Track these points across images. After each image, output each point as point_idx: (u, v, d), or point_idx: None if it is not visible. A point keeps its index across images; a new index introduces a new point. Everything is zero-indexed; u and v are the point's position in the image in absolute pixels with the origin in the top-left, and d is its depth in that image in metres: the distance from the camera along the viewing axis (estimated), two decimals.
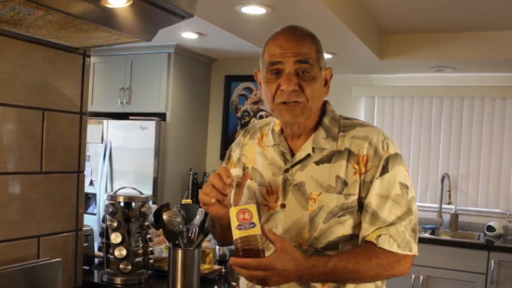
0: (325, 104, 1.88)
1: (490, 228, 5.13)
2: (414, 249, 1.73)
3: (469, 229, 5.41)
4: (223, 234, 1.92)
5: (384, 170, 1.74)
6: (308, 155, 1.80)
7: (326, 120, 1.83)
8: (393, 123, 5.87)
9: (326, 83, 1.83)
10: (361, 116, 5.93)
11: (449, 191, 5.47)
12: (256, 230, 1.57)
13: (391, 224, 1.70)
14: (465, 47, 4.91)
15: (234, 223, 1.59)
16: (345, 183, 1.74)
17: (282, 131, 1.89)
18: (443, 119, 5.70)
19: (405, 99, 5.85)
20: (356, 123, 1.86)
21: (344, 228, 1.75)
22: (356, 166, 1.75)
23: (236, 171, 1.66)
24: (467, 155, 5.62)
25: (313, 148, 1.80)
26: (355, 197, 1.74)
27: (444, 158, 5.70)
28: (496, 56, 4.83)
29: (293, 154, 1.84)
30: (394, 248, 1.69)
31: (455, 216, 5.44)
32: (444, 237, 5.19)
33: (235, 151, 2.03)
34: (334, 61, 5.22)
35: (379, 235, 1.69)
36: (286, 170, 1.81)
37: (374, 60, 5.13)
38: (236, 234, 1.58)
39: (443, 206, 5.55)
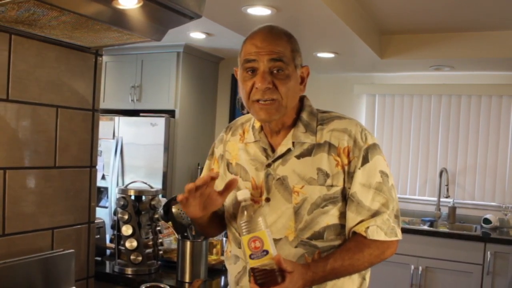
0: (302, 99, 1.87)
1: (487, 221, 5.11)
2: (399, 234, 1.76)
3: (466, 221, 5.40)
4: (204, 230, 1.99)
5: (365, 160, 1.74)
6: (289, 150, 1.79)
7: (304, 115, 1.82)
8: (393, 120, 5.85)
9: (303, 81, 1.81)
10: (362, 114, 5.93)
11: (447, 185, 5.45)
12: (269, 257, 1.53)
13: (376, 212, 1.72)
14: (463, 46, 4.89)
15: (246, 252, 1.55)
16: (327, 175, 1.74)
17: (262, 127, 1.88)
18: (442, 116, 5.68)
19: (405, 96, 5.84)
20: (334, 116, 1.84)
21: (328, 218, 1.75)
22: (338, 158, 1.75)
23: (242, 194, 1.61)
24: (464, 151, 5.60)
25: (293, 142, 1.79)
26: (338, 188, 1.74)
27: (442, 153, 5.68)
28: (492, 56, 4.81)
29: (273, 150, 1.83)
30: (382, 237, 1.72)
31: (452, 209, 5.42)
32: (442, 229, 5.17)
33: (218, 147, 2.02)
34: (337, 60, 5.22)
35: (368, 227, 1.71)
36: (268, 165, 1.80)
37: (375, 59, 5.11)
38: (250, 263, 1.55)
39: (441, 199, 5.53)
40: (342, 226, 1.77)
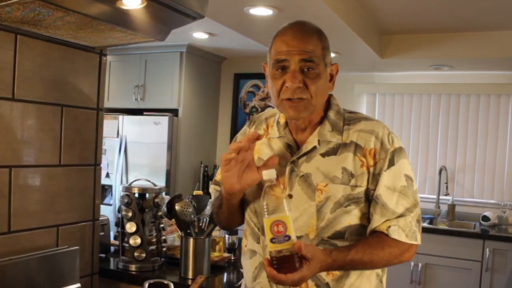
0: (329, 98, 1.83)
1: (485, 218, 5.11)
2: (419, 239, 1.74)
3: (466, 219, 5.39)
4: (230, 216, 1.88)
5: (391, 163, 1.71)
6: (314, 148, 1.75)
7: (331, 114, 1.79)
8: (393, 119, 5.85)
9: (332, 78, 1.78)
10: (362, 112, 5.90)
11: (446, 182, 5.45)
12: (291, 243, 1.48)
13: (401, 215, 1.70)
14: (462, 46, 4.88)
15: (268, 235, 1.49)
16: (351, 175, 1.70)
17: (287, 123, 1.84)
18: (441, 115, 5.68)
19: (404, 96, 5.83)
20: (360, 117, 1.82)
21: (351, 217, 1.71)
22: (363, 159, 1.71)
23: (268, 174, 1.56)
24: (463, 149, 5.59)
25: (318, 140, 1.75)
26: (362, 189, 1.71)
27: (441, 151, 5.67)
28: (491, 55, 4.80)
29: (298, 147, 1.79)
30: (403, 238, 1.69)
31: (452, 206, 5.42)
32: (442, 226, 5.17)
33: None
34: (338, 60, 5.19)
35: (389, 226, 1.68)
36: (293, 162, 1.76)
37: (375, 59, 5.11)
38: (270, 247, 1.50)
39: (441, 197, 5.53)
40: (363, 227, 1.74)
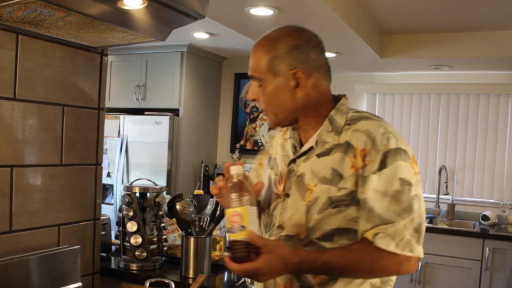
0: (340, 99, 1.79)
1: (485, 217, 5.11)
2: (416, 251, 1.57)
3: (465, 218, 5.39)
4: None
5: (382, 165, 1.58)
6: (311, 148, 1.74)
7: (333, 113, 1.74)
8: (393, 118, 5.85)
9: (298, 84, 1.69)
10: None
11: (446, 182, 5.45)
12: (245, 233, 1.50)
13: (390, 222, 1.55)
14: (462, 46, 4.88)
15: (227, 225, 1.56)
16: (340, 176, 1.63)
17: None
18: (441, 115, 5.68)
19: (404, 95, 5.83)
20: (362, 116, 1.72)
21: (338, 220, 1.64)
22: (354, 160, 1.62)
23: (236, 169, 1.60)
24: (463, 148, 5.59)
25: (316, 141, 1.73)
26: (348, 191, 1.62)
27: (441, 151, 5.68)
28: (490, 55, 4.80)
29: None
30: (392, 248, 1.53)
31: (451, 206, 5.42)
32: (442, 225, 5.17)
33: (268, 143, 2.04)
34: (338, 60, 5.21)
35: (377, 233, 1.55)
36: (293, 161, 1.78)
37: (376, 58, 5.11)
38: (229, 237, 1.56)
39: (441, 196, 5.53)
40: (354, 231, 1.63)
